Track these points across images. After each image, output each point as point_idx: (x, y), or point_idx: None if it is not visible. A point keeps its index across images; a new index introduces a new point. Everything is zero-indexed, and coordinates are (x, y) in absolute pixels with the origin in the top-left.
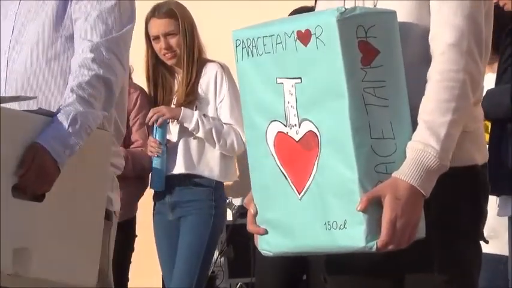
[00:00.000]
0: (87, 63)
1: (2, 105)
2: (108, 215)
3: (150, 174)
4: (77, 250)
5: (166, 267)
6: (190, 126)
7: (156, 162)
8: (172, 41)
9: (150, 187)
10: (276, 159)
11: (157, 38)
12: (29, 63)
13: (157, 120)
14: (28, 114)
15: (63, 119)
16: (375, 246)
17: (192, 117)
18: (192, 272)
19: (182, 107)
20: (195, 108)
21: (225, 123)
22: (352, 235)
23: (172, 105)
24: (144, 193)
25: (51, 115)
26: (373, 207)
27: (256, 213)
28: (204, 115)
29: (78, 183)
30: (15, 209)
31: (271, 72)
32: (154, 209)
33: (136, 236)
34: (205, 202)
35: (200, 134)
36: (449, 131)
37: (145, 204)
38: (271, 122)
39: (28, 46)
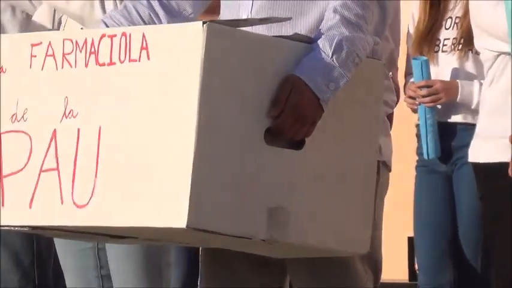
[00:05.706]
0: None
1: (247, 29)
2: (377, 168)
3: (421, 138)
4: (345, 209)
5: (424, 227)
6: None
7: (429, 122)
8: None
9: (426, 156)
10: None
11: None
12: None
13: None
14: (281, 40)
15: (325, 46)
16: None
17: (471, 99)
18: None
19: (458, 82)
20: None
21: None
22: None
23: (444, 30)
24: None
25: (311, 42)
26: None
27: None
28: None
29: (345, 126)
30: (270, 159)
31: None
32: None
33: None
34: None
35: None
36: None
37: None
38: None
39: None
